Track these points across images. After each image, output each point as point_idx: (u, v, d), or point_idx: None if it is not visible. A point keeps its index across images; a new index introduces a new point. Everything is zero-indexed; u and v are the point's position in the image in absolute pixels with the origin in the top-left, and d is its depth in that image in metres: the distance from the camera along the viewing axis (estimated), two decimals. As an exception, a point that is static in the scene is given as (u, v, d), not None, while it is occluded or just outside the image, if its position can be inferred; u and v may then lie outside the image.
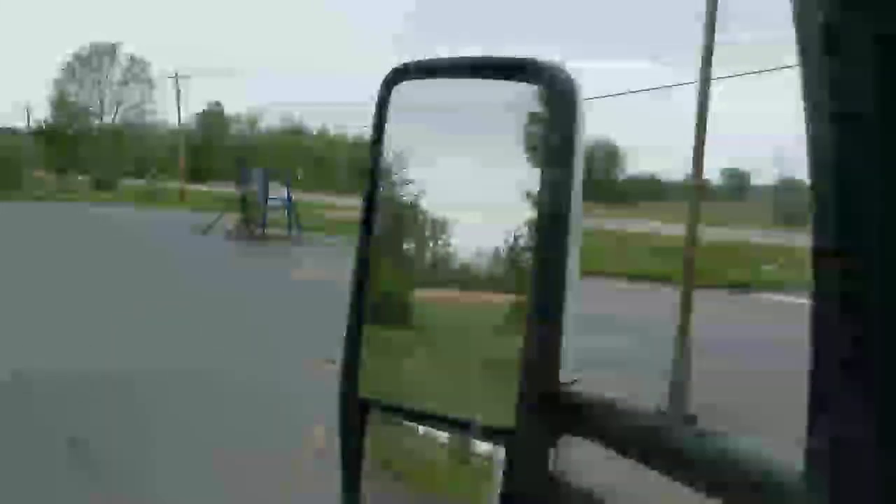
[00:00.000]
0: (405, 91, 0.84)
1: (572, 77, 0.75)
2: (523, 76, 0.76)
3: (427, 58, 0.84)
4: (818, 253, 0.43)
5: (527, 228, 0.76)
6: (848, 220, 0.42)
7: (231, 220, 32.26)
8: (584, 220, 0.75)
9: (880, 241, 0.41)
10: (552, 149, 0.74)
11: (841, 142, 0.42)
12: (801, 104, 0.44)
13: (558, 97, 0.74)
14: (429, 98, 0.83)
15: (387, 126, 0.85)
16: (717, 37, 9.83)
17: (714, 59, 9.86)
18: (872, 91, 0.41)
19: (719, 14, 9.78)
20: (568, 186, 0.74)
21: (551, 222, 0.74)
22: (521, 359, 0.74)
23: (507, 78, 0.77)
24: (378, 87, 0.85)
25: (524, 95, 0.76)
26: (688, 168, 10.35)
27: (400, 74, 0.84)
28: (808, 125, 0.43)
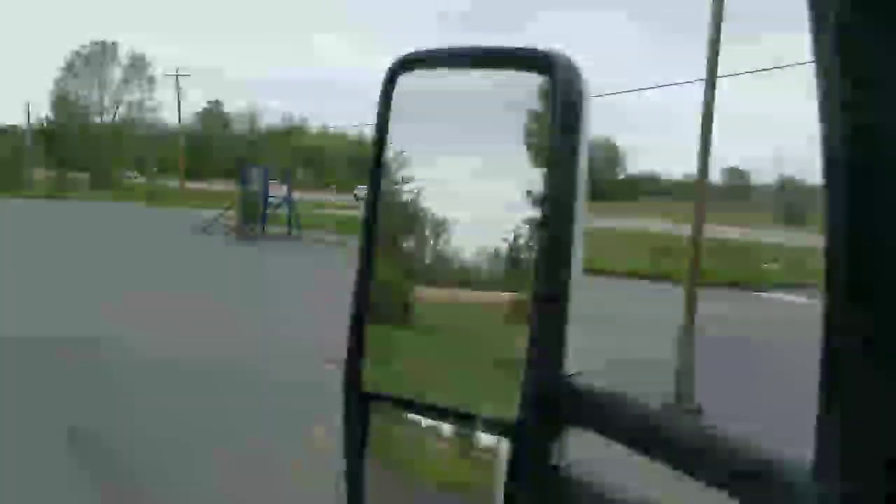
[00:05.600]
0: (409, 83, 0.83)
1: (579, 68, 0.74)
2: (529, 67, 0.75)
3: (431, 48, 0.83)
4: (830, 250, 0.43)
5: (528, 225, 0.76)
6: (861, 217, 0.42)
7: (232, 218, 32.26)
8: (586, 217, 0.75)
9: (893, 238, 0.41)
10: (557, 142, 0.74)
11: (854, 140, 0.42)
12: (814, 103, 0.44)
13: (564, 89, 0.74)
14: (433, 90, 0.82)
15: (390, 119, 0.84)
16: (721, 36, 9.83)
17: (719, 57, 9.87)
18: (885, 89, 0.41)
19: (724, 13, 9.78)
20: (572, 181, 0.74)
21: (555, 216, 0.74)
22: (526, 352, 0.74)
23: (512, 68, 0.77)
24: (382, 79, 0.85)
25: (530, 87, 0.75)
26: (688, 167, 10.39)
27: (403, 65, 0.84)
28: (821, 123, 0.43)
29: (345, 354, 0.86)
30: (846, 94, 0.42)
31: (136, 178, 69.60)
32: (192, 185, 63.54)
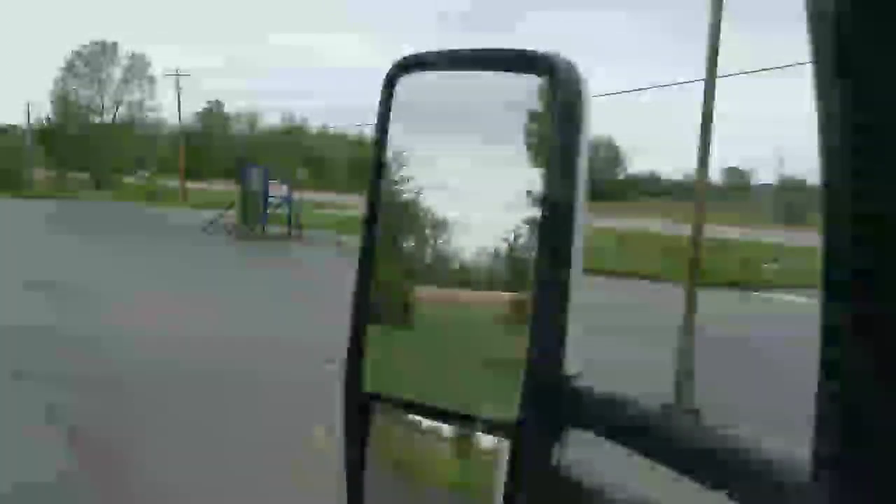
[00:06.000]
0: (409, 85, 0.83)
1: (578, 70, 0.74)
2: (528, 69, 0.75)
3: (431, 50, 0.83)
4: (829, 250, 0.43)
5: (528, 225, 0.76)
6: (861, 217, 0.42)
7: (232, 218, 32.28)
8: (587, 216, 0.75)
9: (892, 241, 0.41)
10: (556, 142, 0.74)
11: (854, 140, 0.42)
12: (814, 103, 0.44)
13: (564, 90, 0.74)
14: (433, 91, 0.82)
15: (390, 121, 0.84)
16: (721, 35, 9.85)
17: (719, 58, 9.88)
18: (885, 89, 0.41)
19: (724, 13, 9.80)
20: (572, 181, 0.74)
21: (555, 217, 0.74)
22: (526, 353, 0.74)
23: (511, 70, 0.77)
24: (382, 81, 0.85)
25: (530, 87, 0.75)
26: (688, 167, 10.43)
27: (403, 67, 0.84)
28: (821, 123, 0.43)
29: (344, 354, 0.86)
30: (846, 94, 0.42)
31: (147, 176, 69.29)
32: (192, 185, 63.49)
